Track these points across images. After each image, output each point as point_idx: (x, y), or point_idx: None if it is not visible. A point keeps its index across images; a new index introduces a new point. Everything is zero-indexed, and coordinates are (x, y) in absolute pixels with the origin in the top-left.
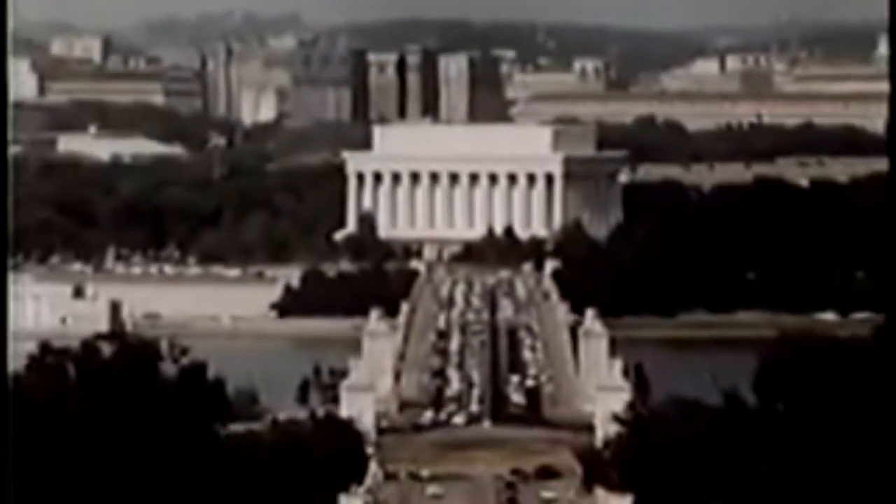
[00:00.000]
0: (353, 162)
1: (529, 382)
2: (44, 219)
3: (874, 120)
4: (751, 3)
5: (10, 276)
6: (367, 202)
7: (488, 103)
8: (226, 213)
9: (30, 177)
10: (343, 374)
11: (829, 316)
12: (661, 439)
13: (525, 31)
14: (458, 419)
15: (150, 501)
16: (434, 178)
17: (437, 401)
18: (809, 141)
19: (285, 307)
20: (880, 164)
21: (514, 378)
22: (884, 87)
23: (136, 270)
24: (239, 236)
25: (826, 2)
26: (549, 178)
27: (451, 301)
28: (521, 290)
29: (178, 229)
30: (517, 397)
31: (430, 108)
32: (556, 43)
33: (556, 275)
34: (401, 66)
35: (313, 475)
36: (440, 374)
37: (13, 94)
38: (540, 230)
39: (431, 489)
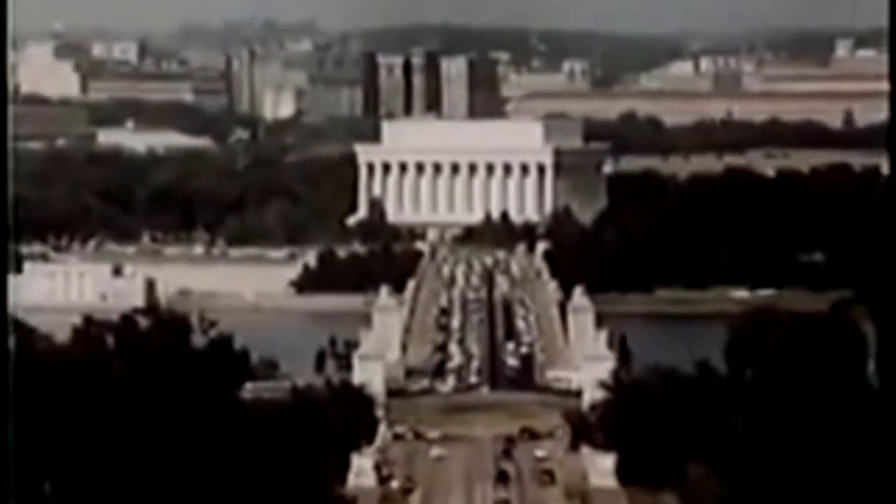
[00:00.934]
0: (364, 154)
1: (523, 349)
2: (86, 204)
3: (833, 116)
4: (722, 10)
5: (52, 256)
6: (376, 190)
7: (486, 101)
8: (249, 199)
9: (73, 167)
10: (355, 344)
11: (793, 292)
12: (641, 404)
13: (519, 35)
14: (459, 386)
15: (180, 460)
16: (437, 168)
17: (440, 370)
18: (775, 135)
19: (303, 284)
20: (838, 156)
21: (510, 345)
22: (841, 86)
23: (169, 251)
24: (261, 220)
25: (790, 10)
26: (541, 169)
27: (452, 279)
28: (515, 269)
29: (206, 214)
30: (512, 361)
31: (434, 105)
32: (547, 46)
33: (547, 255)
34: (407, 68)
35: (328, 436)
36: (443, 348)
37: (58, 93)
38: (532, 215)
39: (435, 451)
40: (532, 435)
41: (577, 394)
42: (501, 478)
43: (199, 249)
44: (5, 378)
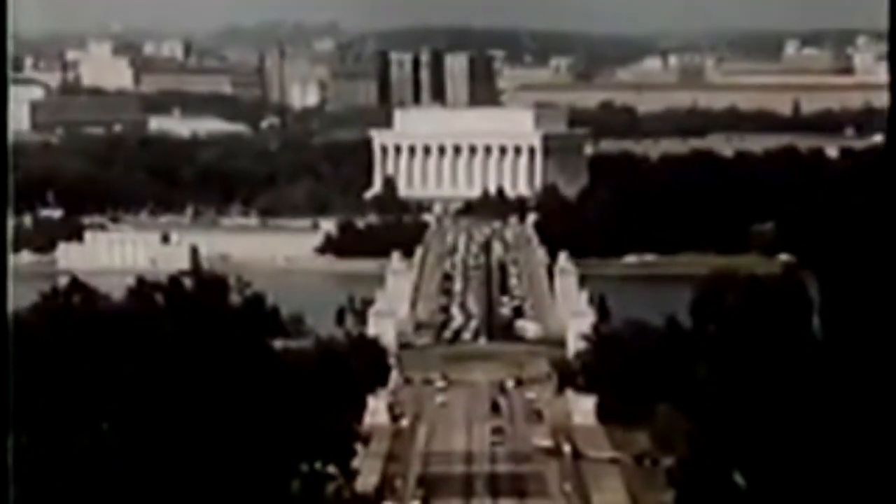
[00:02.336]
0: (379, 138)
1: (516, 303)
2: (138, 181)
3: (783, 105)
4: (688, 13)
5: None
6: (389, 169)
7: (484, 92)
8: (279, 177)
9: (127, 149)
10: (371, 302)
11: (748, 257)
12: (618, 353)
13: (512, 35)
14: (460, 338)
15: (219, 401)
16: (441, 150)
17: (444, 326)
18: (733, 121)
19: (326, 250)
20: (787, 140)
21: (504, 299)
22: (789, 79)
23: (210, 222)
24: (289, 195)
25: (746, 13)
26: (531, 151)
27: (454, 247)
28: (509, 236)
29: (242, 190)
30: (506, 311)
31: (439, 96)
32: (536, 45)
33: (536, 225)
34: (415, 64)
35: (347, 381)
36: (446, 310)
37: (115, 86)
38: (524, 190)
39: (440, 398)
40: (522, 380)
41: (562, 344)
42: (495, 408)
43: (236, 220)
44: (6, 378)
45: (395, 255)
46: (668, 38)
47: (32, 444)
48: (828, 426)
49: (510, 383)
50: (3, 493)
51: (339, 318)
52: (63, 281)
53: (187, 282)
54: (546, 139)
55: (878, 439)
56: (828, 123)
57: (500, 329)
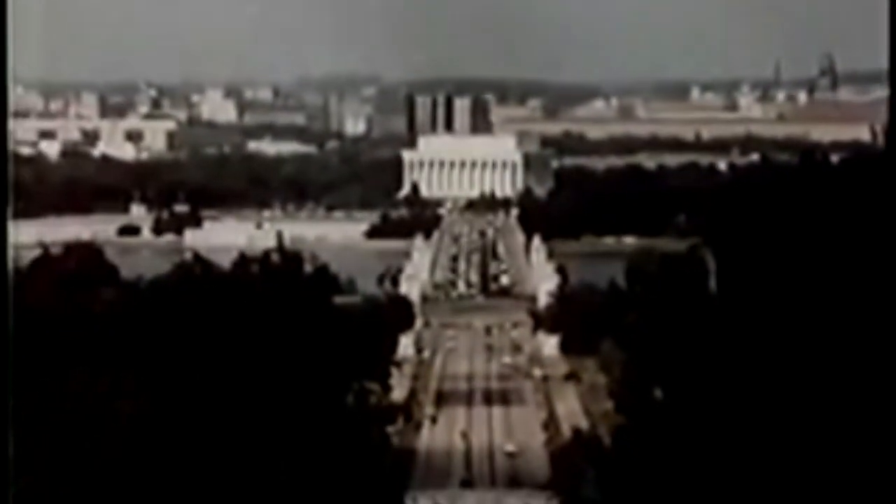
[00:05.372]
0: (407, 156)
1: (503, 268)
2: (240, 187)
3: (689, 133)
4: (623, 67)
5: (207, 225)
6: (415, 177)
7: (481, 124)
8: (338, 183)
9: (232, 164)
10: (401, 270)
11: (665, 239)
12: (573, 305)
13: (501, 84)
14: (464, 296)
15: (296, 340)
16: (451, 164)
17: (453, 286)
18: (655, 144)
19: (371, 234)
20: (691, 158)
21: (494, 263)
22: (694, 115)
23: (290, 214)
24: (345, 196)
25: (664, 67)
26: (514, 165)
27: (460, 232)
28: (498, 225)
29: (312, 192)
30: (494, 271)
31: (449, 127)
32: (518, 91)
33: (518, 217)
34: (433, 104)
35: (385, 326)
36: (453, 283)
37: (225, 119)
38: (509, 193)
39: (450, 333)
40: (505, 326)
41: (534, 299)
42: (488, 346)
43: (308, 213)
44: (6, 378)
45: (419, 238)
46: (609, 85)
47: (166, 383)
48: (721, 354)
49: (499, 327)
50: (3, 493)
51: (380, 281)
52: (188, 255)
53: (274, 256)
54: (525, 157)
55: (754, 358)
56: (719, 146)
57: (491, 289)
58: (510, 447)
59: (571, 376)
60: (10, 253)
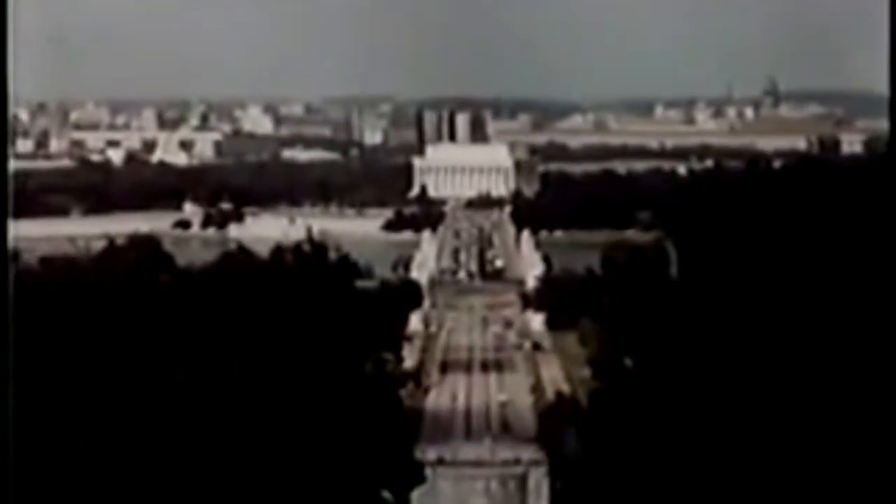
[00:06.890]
0: (418, 162)
1: (497, 253)
2: (276, 188)
3: (654, 143)
4: (596, 87)
5: (248, 220)
6: (423, 180)
7: (479, 136)
8: (359, 185)
9: (269, 170)
10: (412, 258)
11: (634, 232)
12: (557, 287)
13: (496, 101)
14: (466, 280)
15: (322, 316)
16: (454, 169)
17: (455, 273)
18: (625, 153)
19: (387, 228)
20: (655, 164)
21: (490, 252)
22: (659, 128)
23: (318, 211)
24: (366, 196)
25: (632, 86)
26: (507, 170)
27: (461, 228)
28: (493, 219)
29: (337, 192)
30: (490, 256)
31: (452, 138)
32: (510, 107)
33: (510, 214)
34: (439, 119)
35: (398, 306)
36: (455, 271)
37: (263, 131)
38: (503, 193)
39: (451, 314)
40: (500, 304)
41: (522, 283)
42: (485, 322)
43: (333, 210)
44: (6, 378)
45: (427, 232)
46: (587, 102)
47: (214, 353)
48: (682, 329)
49: (493, 307)
50: (4, 493)
51: (394, 268)
52: (232, 246)
53: (305, 247)
54: (516, 163)
55: (710, 332)
56: (679, 154)
57: (487, 275)
58: (502, 397)
59: (537, 347)
60: (10, 253)
